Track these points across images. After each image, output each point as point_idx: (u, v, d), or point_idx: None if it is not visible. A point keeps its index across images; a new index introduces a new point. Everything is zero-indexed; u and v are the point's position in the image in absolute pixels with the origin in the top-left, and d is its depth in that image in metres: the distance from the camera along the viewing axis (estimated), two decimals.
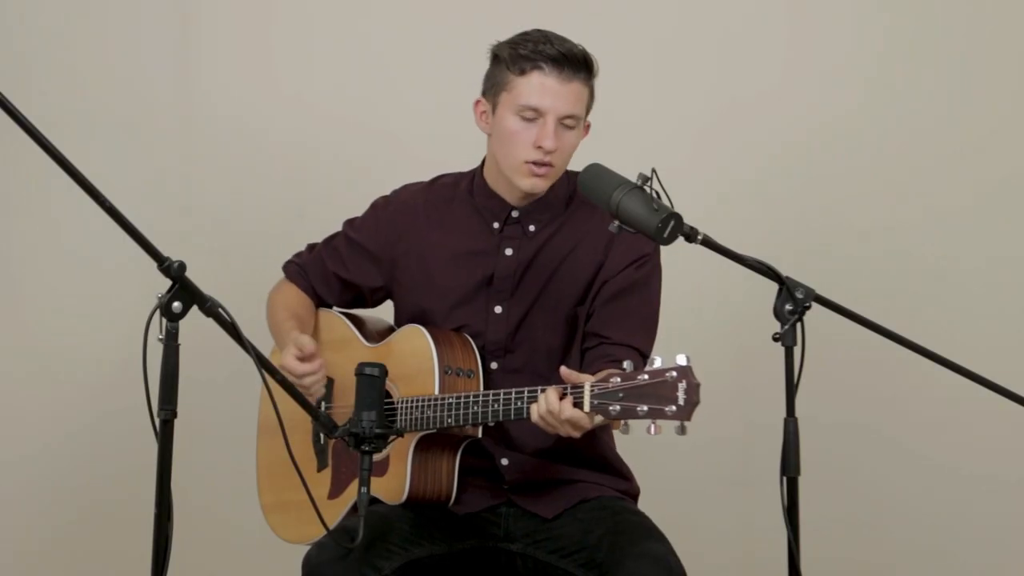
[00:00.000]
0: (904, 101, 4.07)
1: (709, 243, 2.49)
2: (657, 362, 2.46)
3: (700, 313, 4.00)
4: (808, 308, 2.49)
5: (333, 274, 3.08)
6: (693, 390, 2.42)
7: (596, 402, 2.49)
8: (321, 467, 3.00)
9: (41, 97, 3.94)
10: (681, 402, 2.42)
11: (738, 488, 4.05)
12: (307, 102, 4.12)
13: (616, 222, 2.52)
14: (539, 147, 2.80)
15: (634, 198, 2.49)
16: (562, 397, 2.55)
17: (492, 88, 2.88)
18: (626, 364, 2.49)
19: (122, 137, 4.08)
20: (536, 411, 2.58)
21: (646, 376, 2.45)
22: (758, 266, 2.50)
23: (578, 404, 2.53)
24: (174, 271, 2.25)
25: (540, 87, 2.80)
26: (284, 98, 4.11)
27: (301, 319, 3.03)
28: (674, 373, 2.43)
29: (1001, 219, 4.06)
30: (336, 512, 2.91)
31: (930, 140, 4.07)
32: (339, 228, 3.12)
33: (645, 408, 2.44)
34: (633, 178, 2.51)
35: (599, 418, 2.55)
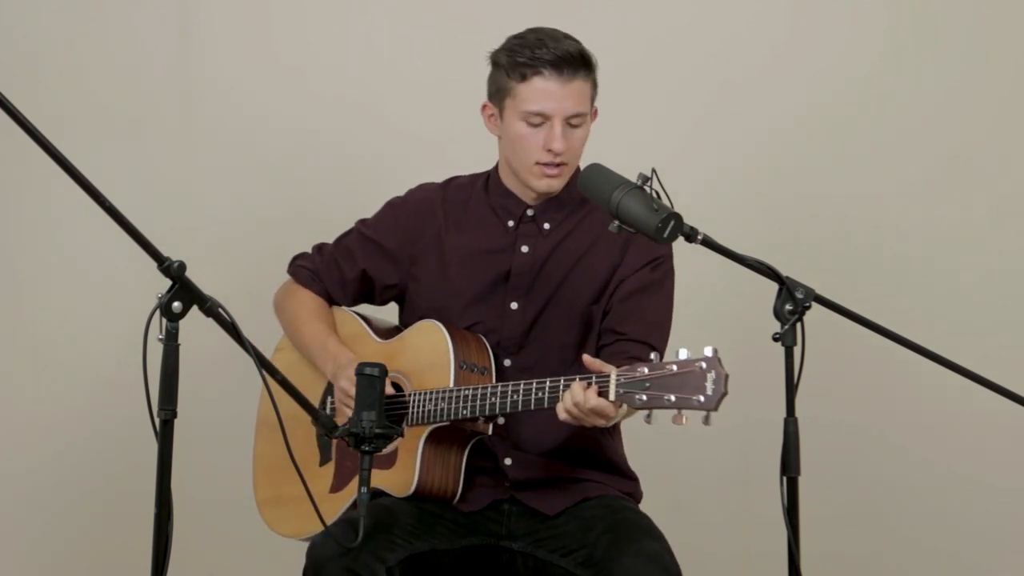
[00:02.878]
0: (904, 101, 4.06)
1: (709, 243, 2.49)
2: (683, 354, 2.48)
3: (700, 313, 3.99)
4: (808, 308, 2.49)
5: (348, 277, 3.07)
6: (722, 380, 2.44)
7: (622, 391, 2.50)
8: (324, 461, 3.00)
9: (41, 97, 3.93)
10: (710, 392, 2.43)
11: (738, 487, 4.05)
12: (309, 101, 4.11)
13: (616, 222, 2.52)
14: (549, 150, 2.85)
15: (634, 198, 2.49)
16: (587, 388, 2.55)
17: (497, 93, 2.91)
18: (653, 356, 2.51)
19: (122, 137, 4.07)
20: (562, 407, 2.59)
21: (674, 367, 2.46)
22: (758, 266, 2.50)
23: (603, 393, 2.53)
24: (174, 271, 2.25)
25: (543, 92, 2.83)
26: (286, 98, 4.11)
27: (334, 328, 3.05)
28: (703, 364, 2.45)
29: (1002, 218, 4.05)
30: (338, 506, 2.91)
31: (931, 140, 4.06)
32: (348, 227, 3.12)
33: (672, 398, 2.45)
34: (633, 178, 2.51)
35: (624, 408, 2.56)
